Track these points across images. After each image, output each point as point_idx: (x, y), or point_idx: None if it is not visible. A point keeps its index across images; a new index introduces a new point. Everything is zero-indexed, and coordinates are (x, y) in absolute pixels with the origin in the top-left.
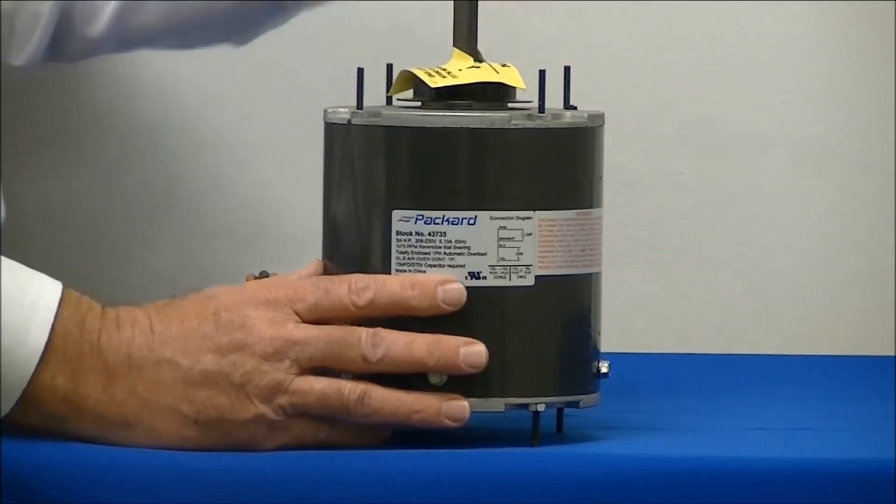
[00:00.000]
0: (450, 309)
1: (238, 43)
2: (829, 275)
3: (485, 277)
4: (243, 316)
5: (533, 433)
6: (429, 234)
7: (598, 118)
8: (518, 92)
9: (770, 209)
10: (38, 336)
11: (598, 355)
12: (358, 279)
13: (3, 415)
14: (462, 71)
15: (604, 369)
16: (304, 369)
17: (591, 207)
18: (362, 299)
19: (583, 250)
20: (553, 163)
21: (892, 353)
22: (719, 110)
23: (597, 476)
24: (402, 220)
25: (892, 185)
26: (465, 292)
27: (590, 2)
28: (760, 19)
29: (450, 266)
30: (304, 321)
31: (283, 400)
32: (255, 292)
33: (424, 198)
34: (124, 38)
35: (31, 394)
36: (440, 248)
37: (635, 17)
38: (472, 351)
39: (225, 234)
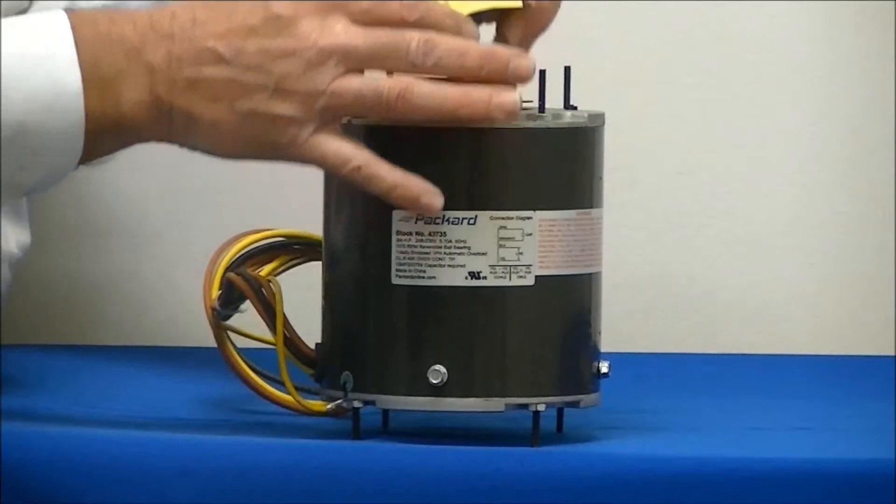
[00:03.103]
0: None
1: None
2: (829, 275)
3: (485, 277)
4: (295, 10)
5: (533, 433)
6: (429, 234)
7: (598, 118)
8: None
9: (770, 209)
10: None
11: (598, 355)
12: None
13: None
14: None
15: (604, 369)
16: (347, 71)
17: (591, 207)
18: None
19: (583, 250)
20: (553, 163)
21: (892, 353)
22: (720, 110)
23: (597, 476)
24: (403, 220)
25: (892, 186)
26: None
27: (589, 1)
28: (761, 19)
29: (450, 266)
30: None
31: (321, 103)
32: None
33: None
34: None
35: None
36: (440, 248)
37: (635, 17)
38: (520, 64)
39: (224, 232)
